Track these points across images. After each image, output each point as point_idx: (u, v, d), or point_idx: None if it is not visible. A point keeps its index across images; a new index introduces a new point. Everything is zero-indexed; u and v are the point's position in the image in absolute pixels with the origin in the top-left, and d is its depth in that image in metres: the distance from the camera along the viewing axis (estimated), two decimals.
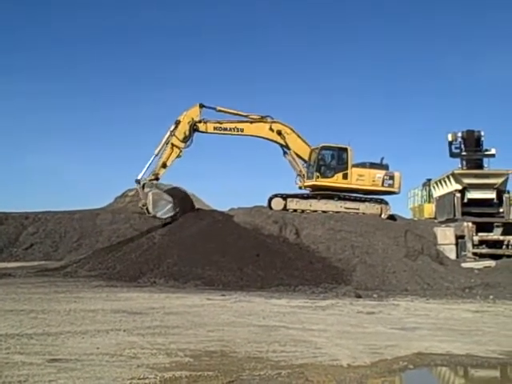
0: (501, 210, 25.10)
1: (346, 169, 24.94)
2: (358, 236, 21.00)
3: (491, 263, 21.67)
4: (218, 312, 11.88)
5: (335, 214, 23.71)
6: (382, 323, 11.02)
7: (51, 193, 70.93)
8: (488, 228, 24.41)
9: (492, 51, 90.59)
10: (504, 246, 24.62)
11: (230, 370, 7.06)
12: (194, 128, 23.50)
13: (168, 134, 22.98)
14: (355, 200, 24.96)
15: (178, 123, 23.21)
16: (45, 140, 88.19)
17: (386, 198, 25.58)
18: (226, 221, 21.99)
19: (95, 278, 18.41)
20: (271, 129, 25.01)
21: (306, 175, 25.23)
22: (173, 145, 22.98)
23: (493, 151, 25.71)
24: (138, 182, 22.62)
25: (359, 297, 15.23)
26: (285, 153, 25.70)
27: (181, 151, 23.30)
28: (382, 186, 25.34)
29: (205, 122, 23.96)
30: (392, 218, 25.15)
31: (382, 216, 24.62)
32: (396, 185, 25.67)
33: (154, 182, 22.83)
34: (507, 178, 24.97)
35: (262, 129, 25.10)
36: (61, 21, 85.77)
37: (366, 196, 25.60)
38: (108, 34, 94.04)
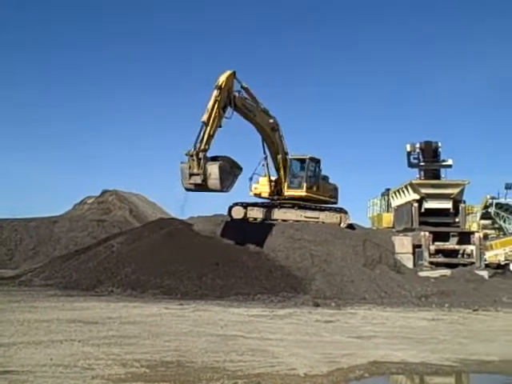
0: (457, 220, 25.59)
1: (319, 180, 25.84)
2: (318, 245, 21.11)
3: (447, 272, 22.05)
4: (176, 321, 11.77)
5: (295, 222, 23.82)
6: (339, 332, 11.08)
7: (5, 200, 69.40)
8: (444, 237, 24.85)
9: (450, 64, 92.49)
10: (459, 255, 25.12)
11: (186, 380, 7.01)
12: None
13: (212, 100, 19.97)
14: (315, 209, 25.14)
15: (220, 88, 20.17)
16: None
17: (345, 207, 25.89)
18: (185, 229, 21.87)
19: (51, 286, 18.10)
20: (270, 123, 23.63)
21: (285, 184, 25.28)
22: (217, 112, 20.10)
23: (450, 162, 26.22)
24: (192, 155, 19.17)
25: (317, 305, 15.28)
26: (266, 157, 24.69)
27: (221, 120, 20.45)
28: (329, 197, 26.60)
29: (238, 93, 21.47)
30: (351, 227, 25.40)
31: (342, 225, 24.84)
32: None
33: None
34: (463, 189, 25.46)
35: (266, 120, 23.38)
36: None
37: (325, 205, 25.86)
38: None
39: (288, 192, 25.13)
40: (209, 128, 19.52)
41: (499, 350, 9.52)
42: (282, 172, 24.91)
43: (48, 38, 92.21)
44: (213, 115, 19.67)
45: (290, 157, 25.15)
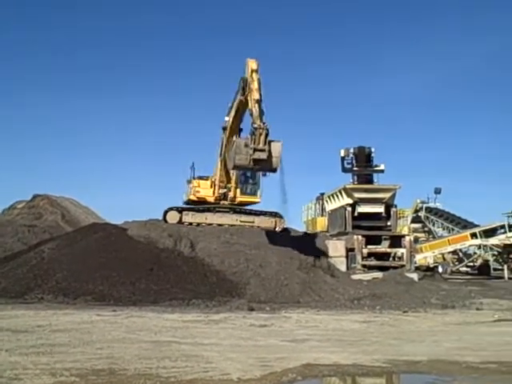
0: (389, 224, 26.25)
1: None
2: (253, 249, 21.18)
3: (379, 275, 22.56)
4: (108, 328, 11.55)
5: (230, 227, 23.84)
6: (273, 336, 11.14)
7: None
8: (376, 241, 25.43)
9: (385, 70, 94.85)
10: (391, 258, 25.77)
11: None
12: None
13: (256, 79, 20.25)
14: (250, 213, 25.24)
15: (256, 71, 20.35)
16: None
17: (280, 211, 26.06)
18: (119, 234, 21.53)
19: None
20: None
21: (237, 190, 25.33)
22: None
23: (382, 167, 26.87)
24: (258, 128, 18.76)
25: (252, 310, 15.30)
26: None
27: None
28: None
29: None
30: (286, 231, 25.61)
31: (277, 229, 25.03)
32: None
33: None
34: (395, 193, 26.14)
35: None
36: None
37: (261, 210, 26.00)
38: None
39: (241, 198, 25.25)
40: (262, 104, 19.66)
41: (427, 350, 9.80)
42: (233, 177, 25.12)
43: None
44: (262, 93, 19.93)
45: None
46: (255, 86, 20.02)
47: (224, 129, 23.98)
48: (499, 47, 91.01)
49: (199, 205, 25.08)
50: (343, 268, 23.19)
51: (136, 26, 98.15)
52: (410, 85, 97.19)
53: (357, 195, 25.59)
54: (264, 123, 18.92)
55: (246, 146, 18.80)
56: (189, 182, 25.76)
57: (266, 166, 19.30)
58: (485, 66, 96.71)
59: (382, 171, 26.80)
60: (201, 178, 25.62)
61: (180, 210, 24.62)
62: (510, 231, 33.07)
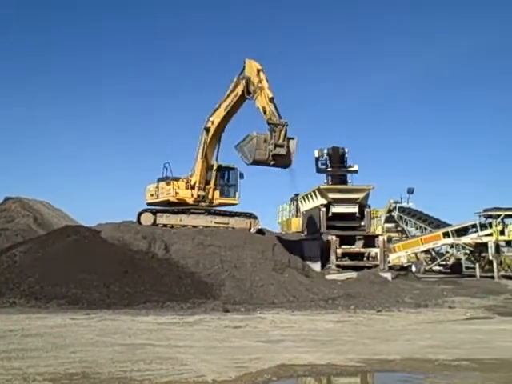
0: (362, 224, 26.45)
1: None
2: (227, 250, 21.13)
3: (353, 274, 22.74)
4: (82, 332, 11.44)
5: (205, 228, 23.77)
6: (248, 337, 11.15)
7: None
8: (351, 241, 25.60)
9: (358, 74, 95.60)
10: (365, 258, 25.98)
11: None
12: None
13: (266, 79, 21.31)
14: (225, 214, 25.19)
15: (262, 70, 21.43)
16: None
17: (255, 212, 26.10)
18: (92, 237, 21.29)
19: None
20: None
21: (217, 191, 25.30)
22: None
23: (356, 167, 27.08)
24: (279, 124, 19.86)
25: (227, 311, 15.29)
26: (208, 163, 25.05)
27: None
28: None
29: None
30: (261, 232, 25.62)
31: (251, 230, 25.00)
32: None
33: None
34: (368, 193, 26.35)
35: None
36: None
37: (235, 211, 25.98)
38: None
39: (220, 200, 25.22)
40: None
41: (400, 348, 9.92)
42: (212, 178, 25.07)
43: None
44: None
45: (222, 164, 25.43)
46: (266, 84, 20.89)
47: (207, 129, 24.05)
48: (468, 46, 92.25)
49: (176, 206, 24.88)
50: (318, 268, 23.31)
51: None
52: (383, 85, 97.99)
53: (331, 196, 25.74)
54: (283, 120, 19.90)
55: (265, 141, 19.78)
56: (166, 182, 25.23)
57: (283, 161, 20.15)
58: (453, 65, 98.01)
59: (355, 171, 27.01)
60: (176, 179, 25.44)
61: (154, 212, 24.45)
62: (481, 230, 33.53)
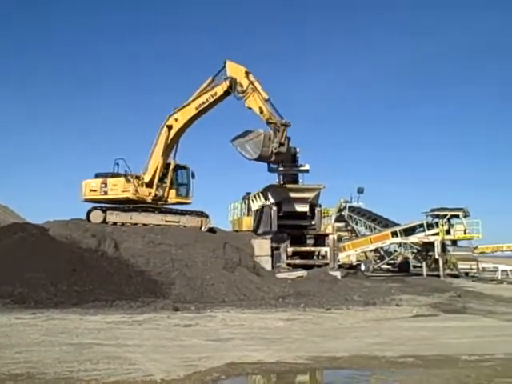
0: (313, 223, 26.63)
1: None
2: (178, 249, 21.02)
3: (303, 273, 22.89)
4: (28, 332, 11.21)
5: (156, 226, 23.58)
6: (198, 335, 11.13)
7: None
8: (301, 240, 25.77)
9: (309, 69, 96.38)
10: (315, 257, 26.22)
11: None
12: None
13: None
14: (176, 213, 25.06)
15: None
16: None
17: (206, 211, 26.07)
18: (40, 234, 20.80)
19: None
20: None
21: (172, 190, 25.33)
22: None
23: (307, 167, 27.20)
24: (283, 124, 21.23)
25: (177, 310, 15.20)
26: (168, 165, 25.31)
27: None
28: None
29: None
30: (212, 230, 25.57)
31: (203, 229, 24.94)
32: None
33: None
34: (319, 193, 26.53)
35: None
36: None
37: (187, 209, 25.90)
38: None
39: (175, 199, 25.18)
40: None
41: (348, 346, 10.07)
42: (170, 177, 25.16)
43: None
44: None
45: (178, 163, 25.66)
46: (259, 86, 22.09)
47: (169, 127, 24.25)
48: (422, 48, 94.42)
49: (132, 204, 24.55)
50: (268, 267, 23.37)
51: None
52: (335, 83, 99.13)
53: (282, 195, 25.83)
54: (286, 120, 21.37)
55: (269, 139, 21.26)
56: (126, 179, 24.69)
57: (281, 158, 22.58)
58: (411, 64, 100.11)
59: (306, 171, 27.13)
60: (135, 176, 25.09)
61: (104, 210, 24.08)
62: (428, 230, 34.30)
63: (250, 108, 22.12)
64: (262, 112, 21.67)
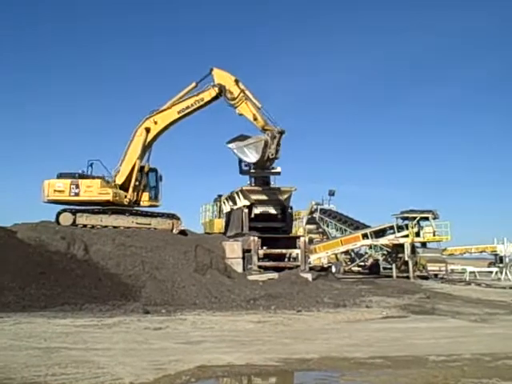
0: (284, 225, 26.73)
1: None
2: (149, 251, 20.93)
3: (274, 275, 22.93)
4: None
5: (126, 229, 23.43)
6: (168, 338, 11.06)
7: None
8: (272, 242, 25.83)
9: (283, 70, 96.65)
10: (286, 259, 26.30)
11: None
12: None
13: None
14: (147, 215, 24.95)
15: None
16: None
17: (178, 213, 26.01)
18: (7, 237, 20.48)
19: None
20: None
21: (146, 194, 25.51)
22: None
23: (278, 169, 27.30)
24: (280, 132, 22.81)
25: (147, 313, 15.09)
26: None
27: None
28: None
29: None
30: (183, 233, 25.53)
31: (174, 231, 24.88)
32: None
33: None
34: (291, 195, 26.67)
35: None
36: None
37: (158, 212, 25.79)
38: None
39: (149, 202, 25.18)
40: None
41: (318, 347, 10.11)
42: (143, 180, 25.42)
43: None
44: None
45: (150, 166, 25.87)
46: (250, 94, 23.28)
47: (147, 129, 24.44)
48: (393, 50, 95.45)
49: (112, 206, 24.33)
50: (240, 269, 23.39)
51: None
52: (307, 85, 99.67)
53: (253, 197, 25.88)
54: (281, 128, 22.69)
55: (266, 145, 22.59)
56: (105, 181, 24.47)
57: (272, 162, 23.98)
58: (383, 68, 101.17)
59: (278, 173, 27.24)
60: (107, 178, 24.92)
61: (74, 212, 23.87)
62: (398, 232, 34.63)
63: (241, 115, 23.19)
64: (255, 119, 22.94)
